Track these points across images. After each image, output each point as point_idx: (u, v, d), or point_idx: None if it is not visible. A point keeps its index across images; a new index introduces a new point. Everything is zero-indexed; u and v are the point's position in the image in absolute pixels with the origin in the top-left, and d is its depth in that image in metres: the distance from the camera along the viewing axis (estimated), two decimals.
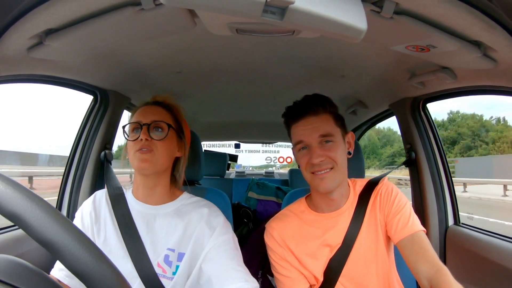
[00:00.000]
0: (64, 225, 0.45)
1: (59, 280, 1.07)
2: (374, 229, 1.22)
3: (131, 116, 1.20)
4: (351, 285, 1.21)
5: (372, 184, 1.29)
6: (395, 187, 1.28)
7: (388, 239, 1.24)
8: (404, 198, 1.24)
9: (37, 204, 0.44)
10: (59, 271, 1.09)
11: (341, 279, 1.21)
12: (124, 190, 1.23)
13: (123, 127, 1.17)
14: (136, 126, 1.13)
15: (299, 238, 1.25)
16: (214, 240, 1.10)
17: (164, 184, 1.19)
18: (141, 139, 1.09)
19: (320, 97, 1.24)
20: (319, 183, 1.17)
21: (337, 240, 1.22)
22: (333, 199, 1.25)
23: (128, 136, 1.14)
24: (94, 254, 0.46)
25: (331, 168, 1.17)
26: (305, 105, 1.22)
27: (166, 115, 1.18)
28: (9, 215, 0.43)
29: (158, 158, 1.11)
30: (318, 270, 1.22)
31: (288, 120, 1.27)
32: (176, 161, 1.23)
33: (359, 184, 1.31)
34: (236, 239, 1.15)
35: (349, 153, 1.26)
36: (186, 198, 1.22)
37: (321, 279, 1.22)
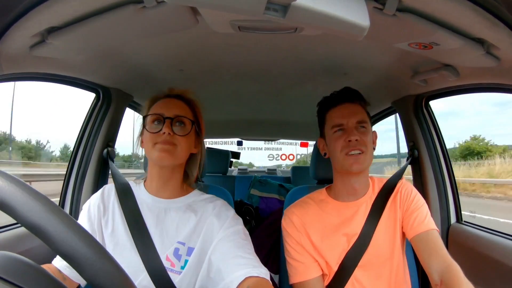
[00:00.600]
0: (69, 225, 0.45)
1: (59, 270, 1.07)
2: (393, 226, 1.26)
3: (148, 107, 1.19)
4: (365, 278, 1.24)
5: (391, 183, 1.34)
6: (414, 187, 1.34)
7: (403, 237, 1.27)
8: (422, 198, 1.30)
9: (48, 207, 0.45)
10: (60, 261, 1.09)
11: (356, 271, 1.23)
12: (135, 184, 1.24)
13: (144, 117, 1.17)
14: (158, 118, 1.13)
15: (318, 226, 1.29)
16: (224, 232, 1.09)
17: (178, 178, 1.20)
18: (164, 133, 1.09)
19: (356, 91, 1.33)
20: (352, 163, 1.22)
21: (355, 230, 1.26)
22: (356, 188, 1.30)
23: (147, 127, 1.13)
24: (99, 253, 0.46)
25: (363, 152, 1.22)
26: (344, 94, 1.30)
27: (187, 110, 1.18)
28: (28, 227, 0.44)
29: (179, 153, 1.11)
30: (334, 259, 1.25)
31: (324, 107, 1.34)
32: (190, 157, 1.22)
33: (378, 181, 1.37)
34: (246, 231, 1.15)
35: (373, 148, 1.31)
36: (197, 195, 1.22)
37: (335, 269, 1.25)
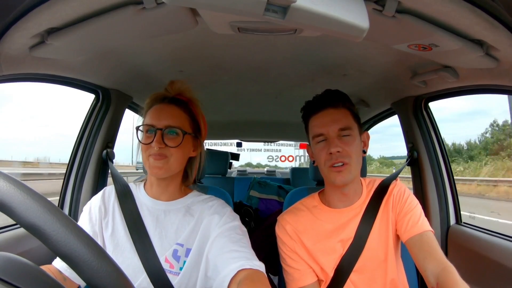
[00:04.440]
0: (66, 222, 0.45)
1: (60, 271, 1.07)
2: (385, 229, 1.24)
3: (145, 112, 1.17)
4: (360, 282, 1.23)
5: (385, 185, 1.31)
6: (407, 189, 1.31)
7: (396, 240, 1.26)
8: (415, 199, 1.27)
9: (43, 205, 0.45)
10: (60, 262, 1.08)
11: (351, 275, 1.22)
12: (135, 186, 1.24)
13: (137, 128, 1.15)
14: (149, 129, 1.11)
15: (311, 232, 1.27)
16: (220, 228, 1.09)
17: (177, 182, 1.20)
18: (154, 147, 1.08)
19: (340, 92, 1.28)
20: (336, 176, 1.19)
21: (349, 235, 1.24)
22: (346, 194, 1.27)
23: (141, 136, 1.13)
24: (97, 253, 0.46)
25: (347, 164, 1.18)
26: (325, 99, 1.25)
27: (181, 116, 1.15)
28: (27, 227, 0.44)
29: (172, 164, 1.10)
30: (329, 265, 1.24)
31: (307, 113, 1.30)
32: (189, 159, 1.22)
33: (372, 183, 1.34)
34: (243, 227, 1.13)
35: (364, 151, 1.28)
36: (195, 196, 1.22)
37: (331, 274, 1.24)
